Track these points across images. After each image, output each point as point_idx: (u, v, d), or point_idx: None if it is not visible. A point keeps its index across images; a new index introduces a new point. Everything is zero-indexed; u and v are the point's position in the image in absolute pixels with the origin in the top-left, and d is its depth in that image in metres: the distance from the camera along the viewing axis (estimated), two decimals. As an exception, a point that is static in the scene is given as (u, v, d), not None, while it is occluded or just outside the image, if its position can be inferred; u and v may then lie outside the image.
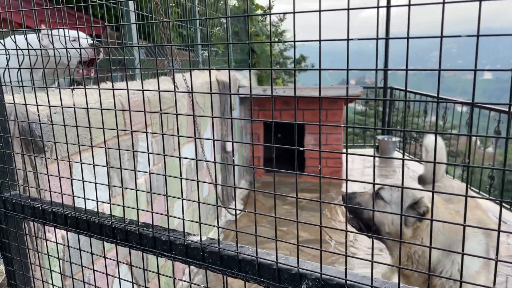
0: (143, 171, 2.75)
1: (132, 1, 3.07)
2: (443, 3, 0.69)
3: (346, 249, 0.87)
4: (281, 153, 6.53)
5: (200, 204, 0.94)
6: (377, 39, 0.78)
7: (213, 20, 6.18)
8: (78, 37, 2.20)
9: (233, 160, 0.94)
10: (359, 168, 6.93)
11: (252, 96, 0.88)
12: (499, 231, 0.71)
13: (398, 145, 7.79)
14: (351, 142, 8.94)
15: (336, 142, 6.20)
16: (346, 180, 0.84)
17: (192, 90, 0.92)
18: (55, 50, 1.22)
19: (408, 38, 0.71)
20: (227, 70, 5.73)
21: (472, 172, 7.03)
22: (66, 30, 2.20)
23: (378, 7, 0.75)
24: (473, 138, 7.79)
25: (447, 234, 1.95)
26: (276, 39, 12.05)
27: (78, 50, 2.15)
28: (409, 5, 0.72)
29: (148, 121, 2.75)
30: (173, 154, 3.31)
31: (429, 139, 2.66)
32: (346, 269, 0.81)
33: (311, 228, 4.52)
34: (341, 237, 4.46)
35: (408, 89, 7.64)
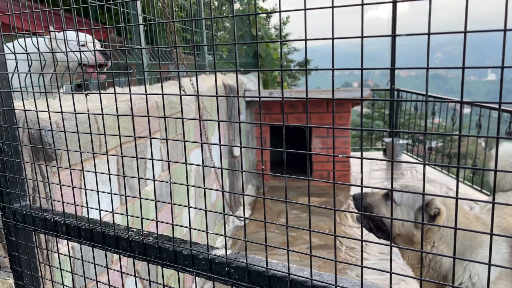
0: (149, 179, 2.69)
1: (139, 3, 3.02)
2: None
3: (362, 260, 0.80)
4: (287, 157, 6.46)
5: (209, 211, 0.88)
6: (393, 36, 0.71)
7: (217, 24, 6.13)
8: (86, 41, 2.15)
9: (242, 167, 0.88)
10: (366, 171, 6.85)
11: (260, 99, 0.82)
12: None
13: (406, 147, 7.70)
14: (357, 145, 8.86)
15: (344, 145, 6.12)
16: (362, 187, 0.78)
17: (198, 90, 0.86)
18: (65, 54, 1.16)
19: (429, 34, 0.65)
20: (234, 74, 5.69)
21: (478, 174, 6.93)
22: (74, 34, 2.15)
23: (395, 1, 0.69)
24: (479, 140, 7.69)
25: (461, 239, 1.87)
26: (279, 39, 11.98)
27: (85, 54, 2.10)
28: None
29: (157, 126, 2.69)
30: (182, 159, 3.25)
31: (505, 147, 2.51)
32: (362, 281, 0.74)
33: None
34: (351, 242, 4.39)
35: (413, 91, 7.56)
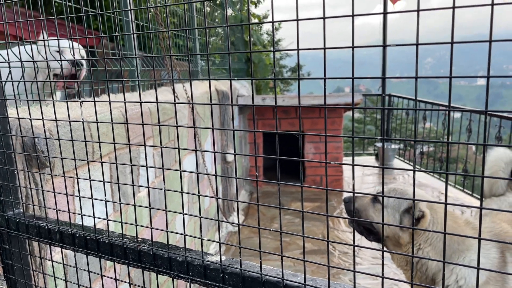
0: (143, 186, 2.69)
1: (132, 12, 3.03)
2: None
3: (354, 265, 0.82)
4: (280, 162, 6.48)
5: (203, 217, 0.89)
6: (383, 46, 0.73)
7: (210, 30, 6.15)
8: (60, 48, 2.04)
9: (235, 173, 0.89)
10: (358, 176, 6.88)
11: (255, 105, 0.83)
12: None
13: (398, 152, 7.76)
14: (349, 150, 8.91)
15: (336, 150, 6.16)
16: (353, 193, 0.79)
17: (192, 100, 0.88)
18: (47, 61, 1.16)
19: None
20: (226, 80, 5.69)
21: (468, 178, 7.00)
22: (54, 40, 2.09)
23: (384, 13, 0.71)
24: (469, 145, 7.77)
25: (448, 243, 1.89)
26: (273, 48, 12.04)
27: (59, 62, 2.00)
28: (418, 10, 0.69)
29: (150, 132, 2.69)
30: (175, 166, 3.25)
31: (497, 152, 2.54)
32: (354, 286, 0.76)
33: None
34: (344, 247, 4.40)
35: (404, 96, 7.63)
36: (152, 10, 3.43)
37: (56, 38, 1.87)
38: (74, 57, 2.03)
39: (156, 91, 0.93)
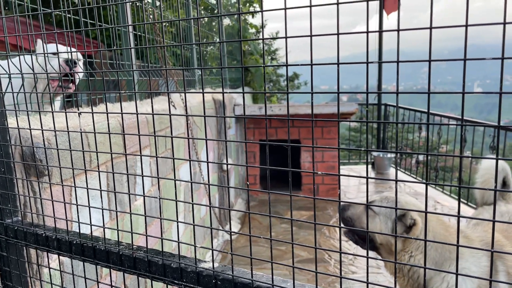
0: (139, 194, 2.71)
1: (130, 19, 3.07)
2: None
3: (340, 271, 0.85)
4: (277, 171, 6.51)
5: (197, 225, 0.93)
6: (367, 62, 0.77)
7: (207, 38, 6.22)
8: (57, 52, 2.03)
9: (227, 183, 0.92)
10: (355, 185, 6.92)
11: (247, 116, 0.87)
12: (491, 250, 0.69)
13: (394, 161, 7.80)
14: (346, 158, 8.95)
15: (332, 159, 6.20)
16: (339, 201, 0.83)
17: (186, 111, 0.91)
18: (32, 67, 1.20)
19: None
20: (223, 91, 5.74)
21: (461, 189, 7.03)
22: (49, 45, 2.10)
23: (367, 32, 0.74)
24: (465, 153, 7.83)
25: (439, 250, 1.92)
26: (269, 57, 12.12)
27: (54, 68, 2.00)
28: (398, 30, 0.72)
29: (147, 141, 2.73)
30: (171, 174, 3.28)
31: (485, 163, 2.63)
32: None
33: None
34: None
35: (401, 105, 7.69)
36: (149, 20, 3.48)
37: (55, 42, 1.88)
38: (71, 56, 2.01)
39: (152, 102, 0.96)
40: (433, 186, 6.51)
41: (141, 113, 0.92)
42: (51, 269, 1.41)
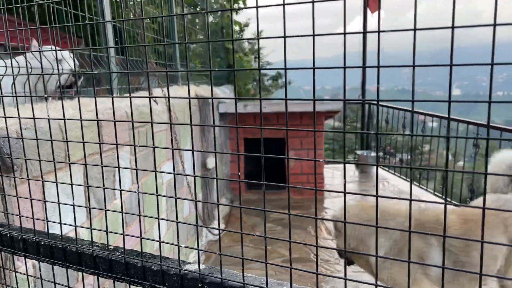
0: (116, 189, 2.57)
1: (109, 13, 2.94)
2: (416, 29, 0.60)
3: (317, 268, 0.77)
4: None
5: (181, 224, 0.82)
6: (344, 68, 0.70)
7: (190, 37, 6.09)
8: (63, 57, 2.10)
9: (216, 174, 0.83)
10: (339, 184, 6.88)
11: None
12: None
13: (378, 160, 7.80)
14: (330, 157, 8.92)
15: (317, 158, 6.14)
16: (315, 190, 0.74)
17: (170, 108, 0.81)
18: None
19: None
20: (206, 85, 5.63)
21: (446, 184, 7.08)
22: (52, 48, 2.14)
23: (344, 34, 0.68)
24: (445, 152, 7.88)
25: (357, 228, 2.46)
26: (253, 56, 12.04)
27: (60, 71, 2.05)
28: (379, 31, 0.65)
29: (127, 137, 2.60)
30: (152, 172, 3.15)
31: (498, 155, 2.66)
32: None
33: (295, 246, 4.40)
34: (326, 255, 4.36)
35: (384, 104, 7.70)
36: (130, 15, 3.35)
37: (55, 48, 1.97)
38: (74, 67, 2.11)
39: (130, 100, 0.85)
40: (416, 184, 6.52)
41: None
42: (19, 274, 1.28)
